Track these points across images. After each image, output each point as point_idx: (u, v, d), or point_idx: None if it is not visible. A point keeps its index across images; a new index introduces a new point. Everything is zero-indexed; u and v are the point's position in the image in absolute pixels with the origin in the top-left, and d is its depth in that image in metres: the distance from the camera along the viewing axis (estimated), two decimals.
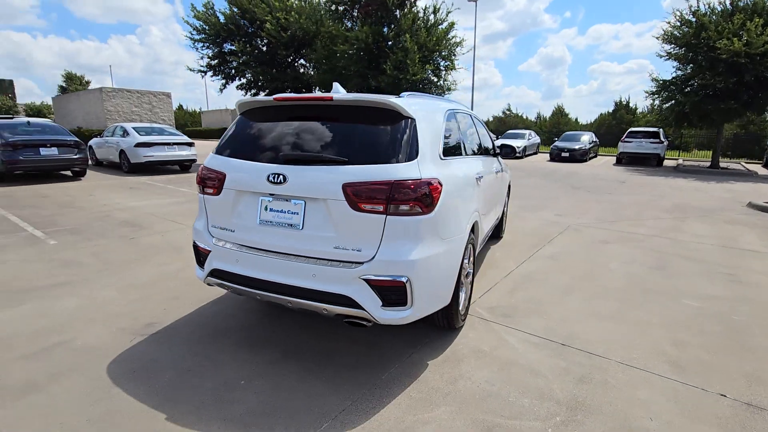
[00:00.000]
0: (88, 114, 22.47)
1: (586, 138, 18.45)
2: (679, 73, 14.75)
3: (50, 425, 2.02)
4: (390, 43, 12.45)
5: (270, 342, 2.82)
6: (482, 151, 3.91)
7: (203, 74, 14.89)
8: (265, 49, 14.36)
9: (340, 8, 12.93)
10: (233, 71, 14.76)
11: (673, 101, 14.89)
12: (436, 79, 13.60)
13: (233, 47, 14.31)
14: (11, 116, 15.38)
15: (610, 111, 37.81)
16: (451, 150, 2.86)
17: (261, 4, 13.29)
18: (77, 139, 10.50)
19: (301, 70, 14.92)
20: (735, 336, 2.96)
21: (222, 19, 13.82)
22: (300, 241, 2.32)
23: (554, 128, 36.13)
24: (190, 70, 14.70)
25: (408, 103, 2.41)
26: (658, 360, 2.65)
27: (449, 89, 13.80)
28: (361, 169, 2.21)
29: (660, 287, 3.83)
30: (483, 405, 2.21)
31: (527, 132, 20.90)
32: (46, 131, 10.25)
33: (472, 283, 3.25)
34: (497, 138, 23.91)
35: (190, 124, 49.82)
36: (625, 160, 16.54)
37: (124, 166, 11.86)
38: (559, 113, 43.33)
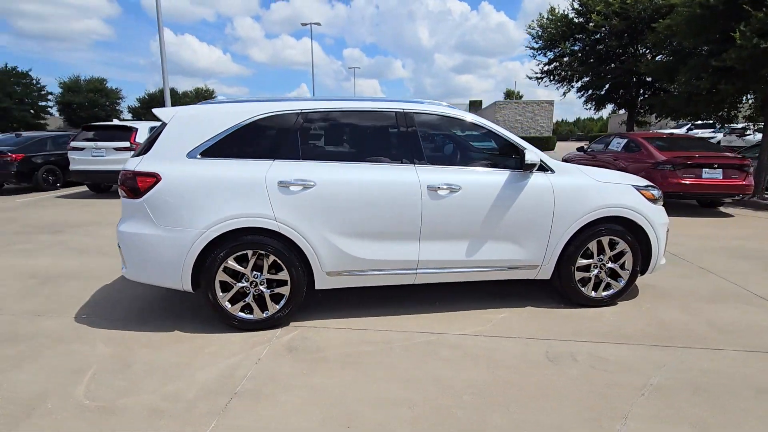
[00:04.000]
0: None
1: None
2: None
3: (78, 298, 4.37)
4: None
5: None
6: (390, 157, 3.02)
7: (539, 81, 15.08)
8: (598, 44, 12.65)
9: None
10: (568, 73, 14.01)
11: None
12: None
13: (573, 47, 13.59)
14: None
15: None
16: (240, 152, 2.87)
17: None
18: None
19: (639, 60, 11.94)
20: None
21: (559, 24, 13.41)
22: None
23: None
24: (529, 78, 15.27)
25: (177, 110, 2.89)
26: None
27: None
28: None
29: None
30: None
31: None
32: None
33: (285, 290, 2.95)
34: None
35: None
36: None
37: None
38: None
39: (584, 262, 3.31)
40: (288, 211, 2.84)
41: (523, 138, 3.36)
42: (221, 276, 2.88)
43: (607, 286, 3.41)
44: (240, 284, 2.92)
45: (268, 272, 2.94)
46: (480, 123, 3.23)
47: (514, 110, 25.36)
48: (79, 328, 3.07)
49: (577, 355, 2.69)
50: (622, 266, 3.39)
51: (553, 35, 13.79)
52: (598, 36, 12.74)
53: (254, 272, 2.93)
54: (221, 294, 2.90)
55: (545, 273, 3.30)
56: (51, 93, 39.11)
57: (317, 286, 3.05)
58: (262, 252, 2.88)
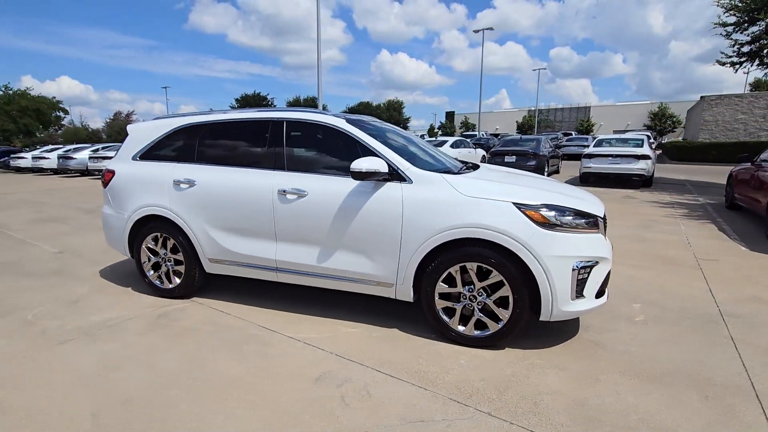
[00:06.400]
0: (694, 123, 21.69)
1: None
2: None
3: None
4: None
5: None
6: (270, 165, 3.27)
7: (736, 67, 11.06)
8: None
9: None
10: None
11: None
12: None
13: None
14: None
15: None
16: (161, 156, 3.67)
17: None
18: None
19: None
20: None
21: None
22: None
23: None
24: (720, 64, 11.33)
25: (134, 125, 3.91)
26: None
27: None
28: None
29: None
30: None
31: None
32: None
33: (183, 268, 3.62)
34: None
35: None
36: None
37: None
38: None
39: (448, 289, 2.82)
40: (177, 204, 3.50)
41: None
42: (144, 251, 3.76)
43: (481, 325, 2.80)
44: (155, 259, 3.75)
45: (171, 252, 3.67)
46: (344, 129, 3.14)
47: (734, 107, 18.79)
48: (94, 275, 4.47)
49: (350, 384, 2.44)
50: (500, 303, 2.73)
51: (755, 3, 10.05)
52: None
53: (164, 251, 3.71)
54: (145, 262, 3.79)
55: (404, 294, 2.96)
56: None
57: (206, 270, 3.60)
58: (166, 235, 3.63)
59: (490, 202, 2.68)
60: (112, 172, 3.89)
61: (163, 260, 3.72)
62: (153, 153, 3.77)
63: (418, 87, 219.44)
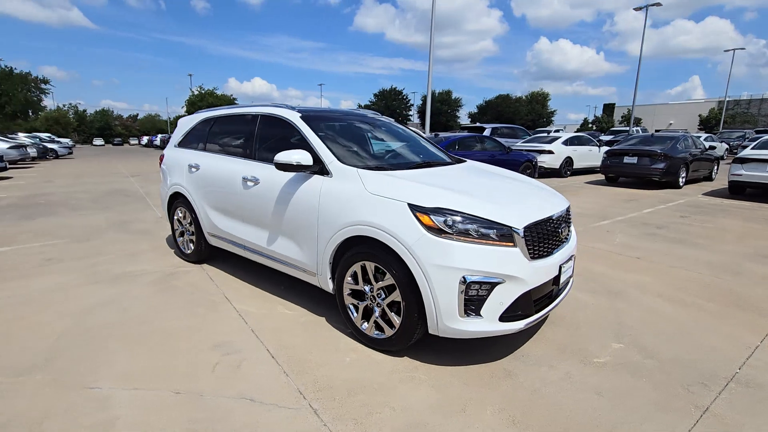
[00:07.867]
0: None
1: None
2: None
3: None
4: None
5: None
6: (250, 156, 3.64)
7: None
8: None
9: None
10: None
11: None
12: None
13: None
14: None
15: None
16: (188, 143, 4.41)
17: None
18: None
19: None
20: None
21: None
22: None
23: None
24: None
25: (181, 118, 4.77)
26: None
27: None
28: None
29: None
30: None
31: None
32: None
33: (194, 238, 4.34)
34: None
35: None
36: None
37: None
38: None
39: (354, 285, 2.79)
40: (189, 183, 4.20)
41: None
42: (175, 221, 4.62)
43: (378, 327, 2.69)
44: (181, 228, 4.56)
45: (189, 225, 4.42)
46: (293, 122, 3.30)
47: None
48: (162, 238, 5.62)
49: (234, 356, 2.68)
50: (395, 307, 2.59)
51: None
52: None
53: (185, 222, 4.48)
54: (176, 230, 4.65)
55: (325, 285, 3.03)
56: (412, 104, 52.79)
57: (209, 242, 4.24)
58: (185, 209, 4.39)
59: (385, 200, 2.55)
60: (163, 155, 4.85)
61: (185, 230, 4.51)
62: (184, 141, 4.58)
63: (580, 76, 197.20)
